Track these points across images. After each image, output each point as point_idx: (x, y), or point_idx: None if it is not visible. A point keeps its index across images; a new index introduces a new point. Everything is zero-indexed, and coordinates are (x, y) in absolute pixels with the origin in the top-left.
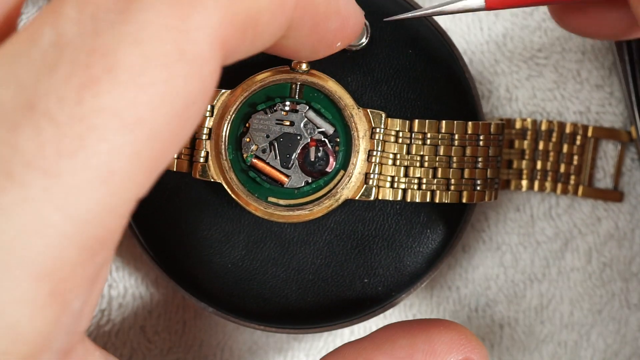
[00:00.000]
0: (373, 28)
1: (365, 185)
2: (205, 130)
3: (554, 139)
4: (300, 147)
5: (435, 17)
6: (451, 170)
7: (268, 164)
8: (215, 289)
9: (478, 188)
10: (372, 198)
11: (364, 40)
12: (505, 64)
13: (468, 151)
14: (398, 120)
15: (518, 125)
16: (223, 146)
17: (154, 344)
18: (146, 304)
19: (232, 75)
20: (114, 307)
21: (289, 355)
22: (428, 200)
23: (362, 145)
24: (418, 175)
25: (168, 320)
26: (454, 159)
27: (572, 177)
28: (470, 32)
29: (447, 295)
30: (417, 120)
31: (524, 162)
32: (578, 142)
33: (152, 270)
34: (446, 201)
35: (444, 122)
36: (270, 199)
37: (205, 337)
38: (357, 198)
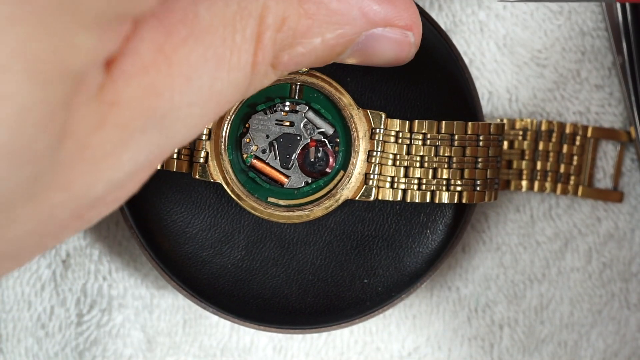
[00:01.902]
0: None
1: (365, 186)
2: (205, 131)
3: (553, 139)
4: (300, 148)
5: (436, 19)
6: (451, 170)
7: (268, 164)
8: (215, 289)
9: (478, 188)
10: (372, 198)
11: None
12: (506, 65)
13: (468, 151)
14: (398, 120)
15: (518, 125)
16: (223, 147)
17: (154, 344)
18: (146, 304)
19: None
20: (114, 307)
21: (289, 355)
22: (428, 200)
23: (362, 145)
24: (418, 175)
25: (168, 320)
26: (454, 159)
27: (572, 177)
28: (471, 33)
29: (446, 296)
30: (416, 121)
31: (524, 163)
32: (578, 143)
33: (152, 270)
34: (446, 201)
35: (443, 122)
36: (270, 199)
37: (205, 337)
38: (357, 198)
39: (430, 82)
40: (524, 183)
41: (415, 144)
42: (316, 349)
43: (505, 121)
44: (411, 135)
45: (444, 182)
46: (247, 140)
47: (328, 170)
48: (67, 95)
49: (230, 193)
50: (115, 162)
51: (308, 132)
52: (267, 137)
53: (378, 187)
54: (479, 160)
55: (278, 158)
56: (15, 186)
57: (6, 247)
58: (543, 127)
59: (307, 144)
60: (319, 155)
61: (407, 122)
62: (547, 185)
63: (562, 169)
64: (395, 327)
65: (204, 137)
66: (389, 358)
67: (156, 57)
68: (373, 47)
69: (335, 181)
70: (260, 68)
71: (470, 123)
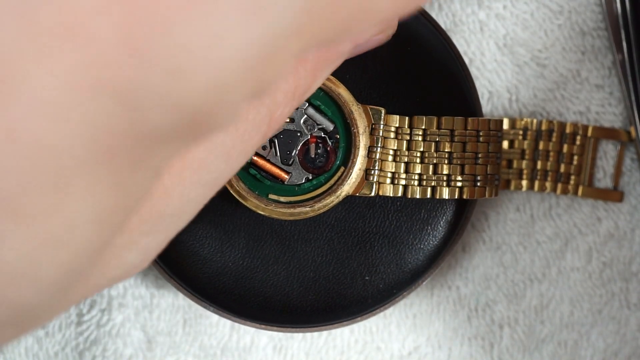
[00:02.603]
0: None
1: (365, 182)
2: None
3: (554, 139)
4: (300, 144)
5: (436, 18)
6: (451, 166)
7: (268, 160)
8: (215, 288)
9: (478, 184)
10: (372, 194)
11: None
12: (506, 64)
13: (468, 147)
14: (397, 116)
15: (518, 125)
16: None
17: (154, 344)
18: (146, 303)
19: None
20: (114, 307)
21: (288, 354)
22: (428, 196)
23: (362, 141)
24: (418, 171)
25: (168, 320)
26: (454, 154)
27: (572, 177)
28: (471, 33)
29: (447, 295)
30: (416, 117)
31: (524, 162)
32: (578, 142)
33: (151, 269)
34: (447, 197)
35: (443, 118)
36: (271, 196)
37: (206, 337)
38: (357, 194)
39: (429, 81)
40: (524, 183)
41: (415, 140)
42: (316, 349)
43: (505, 121)
44: (411, 131)
45: (445, 178)
46: None
47: (329, 166)
48: (119, 229)
49: (230, 190)
50: (119, 263)
51: (308, 129)
52: None
53: (379, 183)
54: (479, 155)
55: (278, 154)
56: (45, 303)
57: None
58: (543, 127)
59: (308, 140)
60: (320, 151)
61: (407, 117)
62: (547, 184)
63: (562, 168)
64: (395, 327)
65: None
66: (389, 357)
67: (172, 163)
68: (356, 51)
69: (335, 177)
70: (268, 136)
71: (470, 119)
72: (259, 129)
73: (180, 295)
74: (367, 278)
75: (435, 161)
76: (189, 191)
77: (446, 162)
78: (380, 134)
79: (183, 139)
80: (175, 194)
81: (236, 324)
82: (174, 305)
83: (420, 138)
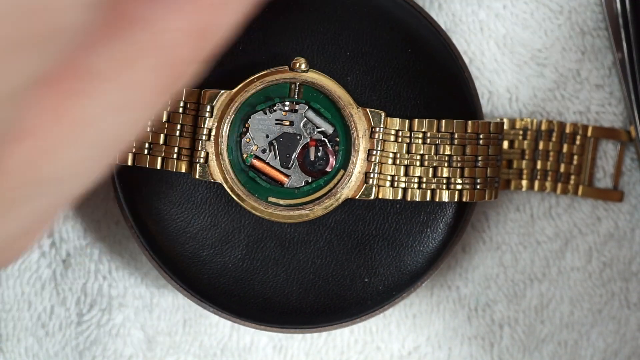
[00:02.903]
0: (372, 27)
1: (365, 185)
2: (205, 131)
3: (554, 139)
4: (300, 147)
5: (436, 18)
6: (451, 169)
7: (268, 164)
8: (215, 289)
9: (478, 187)
10: (372, 197)
11: None
12: (506, 64)
13: (468, 150)
14: (397, 119)
15: (518, 125)
16: (223, 147)
17: (154, 344)
18: (146, 303)
19: (231, 76)
20: (114, 306)
21: (288, 354)
22: (428, 199)
23: (361, 144)
24: (418, 174)
25: (168, 319)
26: (454, 157)
27: (572, 176)
28: (471, 33)
29: (447, 295)
30: (416, 119)
31: (524, 162)
32: (578, 142)
33: (152, 270)
34: (446, 200)
35: (443, 121)
36: (271, 199)
37: (206, 337)
38: (357, 197)
39: (429, 81)
40: (524, 182)
41: (415, 143)
42: (316, 349)
43: (505, 121)
44: (411, 134)
45: (444, 181)
46: (247, 140)
47: (328, 169)
48: None
49: (230, 193)
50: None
51: (308, 132)
52: (267, 136)
53: (378, 186)
54: (479, 158)
55: (278, 158)
56: None
57: None
58: (543, 127)
59: (307, 143)
60: (319, 154)
61: (407, 120)
62: (547, 184)
63: (562, 168)
64: (395, 327)
65: (203, 137)
66: (389, 357)
67: (44, 121)
68: None
69: (335, 180)
70: (173, 87)
71: (470, 122)
72: (155, 77)
73: (180, 295)
74: (366, 280)
75: (435, 164)
76: (74, 151)
77: (446, 165)
78: (380, 137)
79: (36, 42)
80: (56, 155)
81: (236, 324)
82: (174, 305)
83: (420, 141)
